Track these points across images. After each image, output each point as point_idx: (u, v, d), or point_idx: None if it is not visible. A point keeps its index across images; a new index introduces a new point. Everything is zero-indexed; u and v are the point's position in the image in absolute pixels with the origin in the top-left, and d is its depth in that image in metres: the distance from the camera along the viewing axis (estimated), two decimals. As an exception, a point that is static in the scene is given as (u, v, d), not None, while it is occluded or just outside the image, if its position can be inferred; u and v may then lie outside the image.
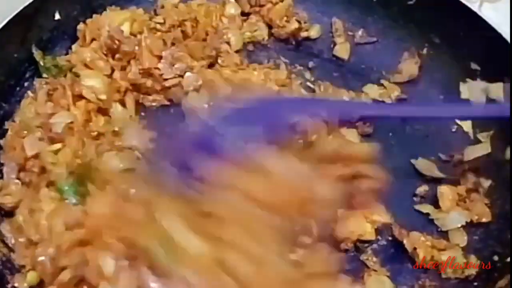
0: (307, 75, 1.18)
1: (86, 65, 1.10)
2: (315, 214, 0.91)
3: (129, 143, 1.06)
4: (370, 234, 0.99)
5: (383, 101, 1.14)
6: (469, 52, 1.11)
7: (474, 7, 1.11)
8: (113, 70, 1.11)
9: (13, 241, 0.96)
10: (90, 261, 0.87)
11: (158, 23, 1.16)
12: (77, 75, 1.09)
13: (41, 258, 0.90)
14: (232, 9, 1.22)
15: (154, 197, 0.88)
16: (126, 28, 1.14)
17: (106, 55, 1.11)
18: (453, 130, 1.12)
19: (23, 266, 0.94)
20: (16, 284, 0.94)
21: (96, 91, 1.07)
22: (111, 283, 0.86)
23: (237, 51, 1.18)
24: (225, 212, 0.86)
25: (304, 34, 1.22)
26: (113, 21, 1.13)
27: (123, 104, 1.11)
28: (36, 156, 1.00)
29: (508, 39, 1.05)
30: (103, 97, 1.07)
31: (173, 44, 1.14)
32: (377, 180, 0.95)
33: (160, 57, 1.11)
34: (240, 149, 0.90)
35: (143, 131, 1.09)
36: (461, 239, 1.01)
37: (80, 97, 1.07)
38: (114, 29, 1.11)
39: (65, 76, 1.09)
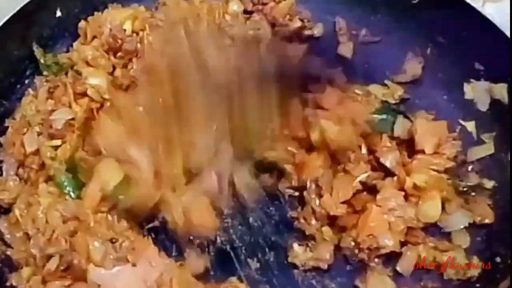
0: (310, 73, 1.18)
1: (87, 63, 1.10)
2: None
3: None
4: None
5: (386, 101, 1.14)
6: (473, 52, 1.10)
7: (477, 6, 1.10)
8: (114, 68, 1.10)
9: (9, 236, 0.97)
10: (78, 246, 0.89)
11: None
12: (78, 73, 1.08)
13: (33, 251, 0.91)
14: (235, 7, 1.21)
15: None
16: (128, 26, 1.13)
17: (107, 52, 1.11)
18: (457, 130, 1.11)
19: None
20: (14, 283, 0.94)
21: (100, 89, 1.07)
22: (98, 266, 0.89)
23: (239, 49, 1.17)
24: None
25: (307, 32, 1.22)
26: (115, 18, 1.12)
27: (123, 101, 1.10)
28: (35, 153, 1.01)
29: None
30: (108, 96, 1.07)
31: (175, 41, 1.13)
32: None
33: (162, 55, 1.11)
34: None
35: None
36: (464, 240, 1.01)
37: (82, 94, 1.07)
38: (116, 28, 1.10)
39: (66, 73, 1.09)
